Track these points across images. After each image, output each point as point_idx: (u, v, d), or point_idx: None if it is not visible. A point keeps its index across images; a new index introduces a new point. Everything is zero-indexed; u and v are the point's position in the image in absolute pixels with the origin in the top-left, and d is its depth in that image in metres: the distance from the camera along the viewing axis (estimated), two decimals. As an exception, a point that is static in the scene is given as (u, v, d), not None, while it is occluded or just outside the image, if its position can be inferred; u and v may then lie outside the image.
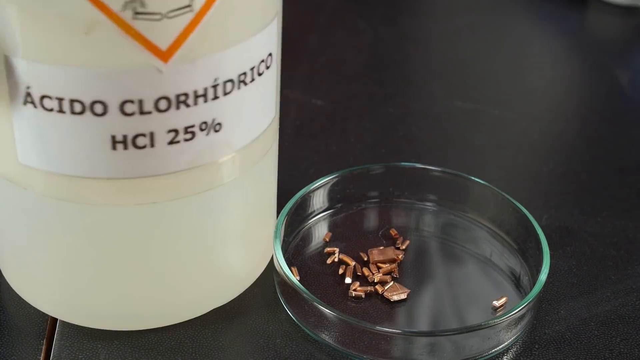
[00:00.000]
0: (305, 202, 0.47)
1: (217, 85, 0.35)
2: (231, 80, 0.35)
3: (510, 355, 0.41)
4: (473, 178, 0.48)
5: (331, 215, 0.48)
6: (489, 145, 0.57)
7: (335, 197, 0.48)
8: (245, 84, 0.36)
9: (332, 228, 0.48)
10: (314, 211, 0.48)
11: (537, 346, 0.42)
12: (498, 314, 0.42)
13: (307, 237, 0.47)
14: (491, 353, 0.41)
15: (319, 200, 0.48)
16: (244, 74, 0.36)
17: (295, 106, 0.60)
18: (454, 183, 0.48)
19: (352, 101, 0.61)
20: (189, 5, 0.32)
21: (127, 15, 0.31)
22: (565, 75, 0.68)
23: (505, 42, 0.71)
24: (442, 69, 0.68)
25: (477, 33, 0.72)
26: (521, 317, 0.41)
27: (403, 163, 0.49)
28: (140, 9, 0.31)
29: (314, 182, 0.47)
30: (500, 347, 0.41)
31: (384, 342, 0.39)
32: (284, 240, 0.44)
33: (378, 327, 0.39)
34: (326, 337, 0.41)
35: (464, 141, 0.58)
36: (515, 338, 0.42)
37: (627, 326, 0.43)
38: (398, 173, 0.49)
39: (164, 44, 0.32)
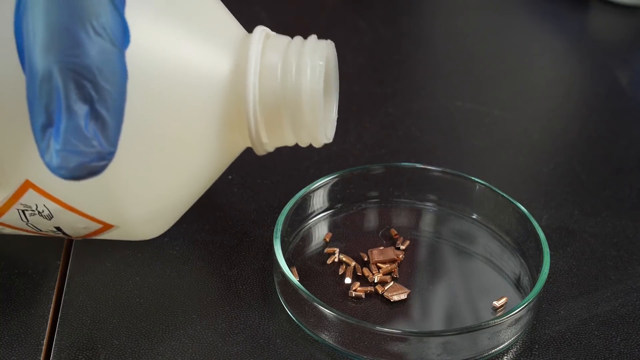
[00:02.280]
0: (305, 202, 0.47)
1: None
2: None
3: (510, 355, 0.41)
4: (473, 178, 0.48)
5: (331, 215, 0.48)
6: (489, 145, 0.57)
7: (335, 197, 0.48)
8: None
9: (332, 228, 0.48)
10: (314, 211, 0.48)
11: (537, 346, 0.42)
12: (498, 314, 0.42)
13: (307, 237, 0.47)
14: (491, 353, 0.41)
15: (319, 200, 0.48)
16: None
17: (296, 106, 0.60)
18: (454, 183, 0.48)
19: (352, 101, 0.61)
20: None
21: None
22: (566, 75, 0.68)
23: (506, 42, 0.71)
24: (442, 69, 0.68)
25: (477, 33, 0.72)
26: (521, 317, 0.41)
27: (403, 163, 0.49)
28: None
29: (314, 182, 0.47)
30: (500, 347, 0.41)
31: (384, 342, 0.39)
32: (284, 240, 0.44)
33: (378, 327, 0.39)
34: (326, 337, 0.41)
35: (464, 141, 0.58)
36: (515, 338, 0.41)
37: (627, 326, 0.43)
38: (398, 173, 0.49)
39: None
